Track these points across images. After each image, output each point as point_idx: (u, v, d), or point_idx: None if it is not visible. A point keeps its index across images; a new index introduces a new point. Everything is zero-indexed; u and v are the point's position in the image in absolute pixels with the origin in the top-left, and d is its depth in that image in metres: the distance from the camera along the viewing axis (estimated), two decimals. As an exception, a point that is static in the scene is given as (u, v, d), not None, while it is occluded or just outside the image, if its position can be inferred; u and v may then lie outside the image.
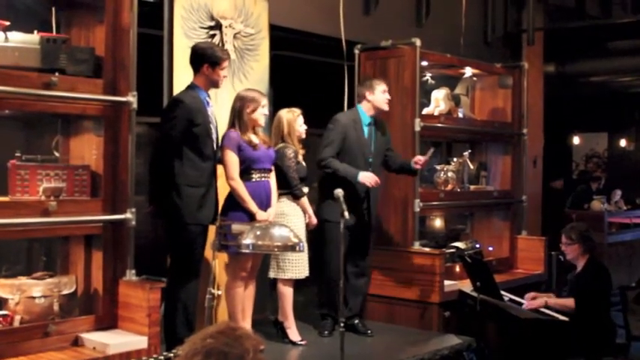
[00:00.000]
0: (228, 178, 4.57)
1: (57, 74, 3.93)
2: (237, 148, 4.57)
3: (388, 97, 5.38)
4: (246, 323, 4.72)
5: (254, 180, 4.64)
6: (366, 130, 5.35)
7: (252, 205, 4.54)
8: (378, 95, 5.33)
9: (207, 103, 4.47)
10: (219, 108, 5.07)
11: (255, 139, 4.67)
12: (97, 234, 4.14)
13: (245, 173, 4.61)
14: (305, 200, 5.00)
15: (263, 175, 4.69)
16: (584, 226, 5.53)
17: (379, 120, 5.48)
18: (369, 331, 5.34)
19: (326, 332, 5.25)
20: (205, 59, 4.43)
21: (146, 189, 4.51)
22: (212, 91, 5.08)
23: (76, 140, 4.33)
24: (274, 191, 4.77)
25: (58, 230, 4.02)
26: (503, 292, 5.28)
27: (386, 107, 5.38)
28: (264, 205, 4.65)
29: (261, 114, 4.71)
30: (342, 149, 5.25)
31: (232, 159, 4.56)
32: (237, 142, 4.57)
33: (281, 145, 4.95)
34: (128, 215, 4.12)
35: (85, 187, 4.13)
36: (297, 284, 5.09)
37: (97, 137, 4.19)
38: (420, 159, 5.35)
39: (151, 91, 4.68)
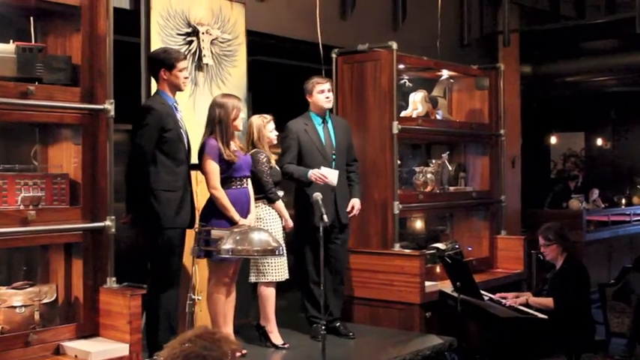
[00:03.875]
0: (210, 187, 4.58)
1: (34, 83, 3.92)
2: (217, 157, 4.57)
3: (327, 95, 5.34)
4: (227, 328, 4.72)
5: (235, 187, 4.65)
6: (319, 129, 5.37)
7: (234, 214, 4.55)
8: (316, 96, 5.35)
9: (176, 108, 4.47)
10: (196, 114, 5.08)
11: (234, 146, 4.68)
12: (76, 242, 4.12)
13: (226, 181, 4.62)
14: (280, 204, 5.01)
15: (243, 182, 4.71)
16: (559, 225, 5.59)
17: (335, 118, 5.54)
18: (351, 334, 5.35)
19: (319, 337, 5.24)
20: (160, 64, 4.42)
21: (124, 197, 4.50)
22: (190, 98, 5.11)
23: (55, 149, 4.31)
24: (252, 197, 4.79)
25: (37, 239, 4.00)
26: (483, 292, 5.32)
27: (326, 105, 5.36)
28: (245, 211, 4.67)
29: (241, 119, 4.73)
30: (301, 154, 5.29)
31: (213, 168, 4.56)
32: (218, 150, 4.57)
33: (253, 150, 4.97)
34: (108, 223, 4.11)
35: (63, 195, 4.11)
36: (279, 288, 5.10)
37: (75, 145, 4.18)
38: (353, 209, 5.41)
39: (129, 99, 4.66)
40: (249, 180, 4.78)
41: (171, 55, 4.45)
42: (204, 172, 4.60)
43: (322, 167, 5.21)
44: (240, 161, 4.66)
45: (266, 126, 5.03)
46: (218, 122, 4.62)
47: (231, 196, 4.60)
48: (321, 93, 5.34)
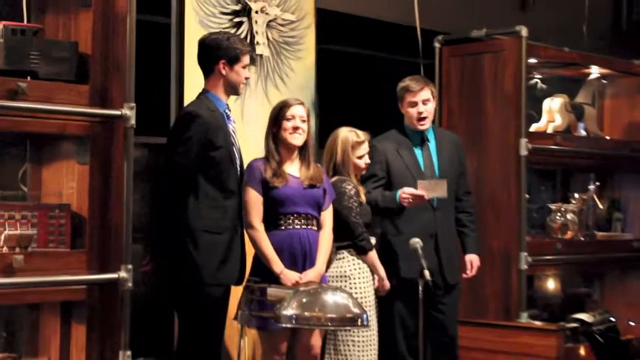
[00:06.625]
0: (245, 226, 4.60)
1: (26, 78, 3.97)
2: (259, 183, 4.60)
3: (419, 111, 5.29)
4: None
5: (283, 228, 4.65)
6: (418, 151, 5.38)
7: (274, 264, 4.54)
8: (406, 109, 5.35)
9: (228, 117, 4.51)
10: (245, 125, 5.10)
11: (294, 170, 4.69)
12: (79, 300, 4.15)
13: (271, 218, 4.64)
14: (373, 255, 4.98)
15: (299, 222, 4.68)
16: None
17: (441, 132, 5.56)
18: None
19: None
20: (221, 54, 4.48)
21: (146, 236, 4.53)
22: (236, 103, 5.14)
23: (52, 170, 4.36)
24: (323, 246, 4.73)
25: (25, 295, 4.02)
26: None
27: (418, 127, 5.33)
28: (301, 263, 4.64)
29: (289, 128, 4.66)
30: (390, 184, 5.28)
31: (251, 198, 4.59)
32: (261, 174, 4.60)
33: (335, 178, 4.94)
34: (123, 274, 4.12)
35: (63, 234, 4.14)
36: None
37: (80, 165, 4.22)
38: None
39: (155, 102, 4.71)
40: (313, 220, 4.74)
41: (235, 44, 4.52)
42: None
43: (419, 182, 5.13)
44: (290, 190, 4.64)
45: (356, 147, 4.99)
46: (266, 135, 4.69)
47: (275, 239, 4.60)
48: (413, 107, 5.31)
